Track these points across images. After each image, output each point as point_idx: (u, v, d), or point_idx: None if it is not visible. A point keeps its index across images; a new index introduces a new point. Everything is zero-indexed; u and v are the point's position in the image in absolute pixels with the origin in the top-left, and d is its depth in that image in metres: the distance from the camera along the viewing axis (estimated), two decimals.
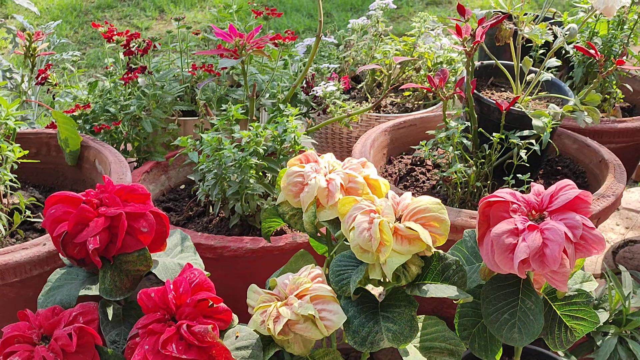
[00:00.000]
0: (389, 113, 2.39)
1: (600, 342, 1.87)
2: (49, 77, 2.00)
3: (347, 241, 1.38)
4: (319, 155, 1.47)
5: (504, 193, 1.30)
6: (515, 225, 1.25)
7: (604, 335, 1.89)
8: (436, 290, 1.31)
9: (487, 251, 1.29)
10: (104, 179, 1.35)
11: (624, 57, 2.20)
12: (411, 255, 1.28)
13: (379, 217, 1.28)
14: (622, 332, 1.89)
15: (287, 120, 1.68)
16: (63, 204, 1.32)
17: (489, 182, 1.82)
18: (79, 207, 1.29)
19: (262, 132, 1.65)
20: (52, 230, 1.30)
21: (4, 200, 1.70)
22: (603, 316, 1.90)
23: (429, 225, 1.30)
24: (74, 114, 1.96)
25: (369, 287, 1.36)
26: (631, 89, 2.41)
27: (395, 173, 2.01)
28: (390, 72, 2.31)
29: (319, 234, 1.49)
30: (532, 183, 1.35)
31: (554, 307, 1.38)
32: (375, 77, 2.47)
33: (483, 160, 1.81)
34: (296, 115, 1.70)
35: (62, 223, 1.30)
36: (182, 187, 2.00)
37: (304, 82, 2.06)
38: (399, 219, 1.30)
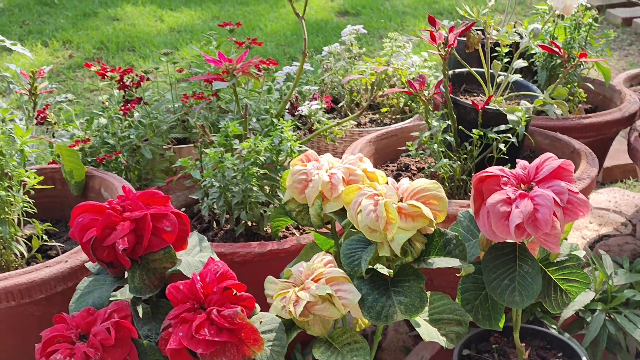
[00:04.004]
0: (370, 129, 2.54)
1: (590, 319, 1.99)
2: (48, 117, 2.10)
3: (354, 228, 1.49)
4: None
5: (493, 169, 1.43)
6: (508, 195, 1.37)
7: (592, 313, 2.01)
8: (440, 262, 1.42)
9: (483, 222, 1.40)
10: (124, 189, 1.45)
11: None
12: (415, 230, 1.40)
13: (383, 198, 1.39)
14: (608, 309, 2.01)
15: (282, 131, 1.80)
16: (89, 213, 1.41)
17: (473, 175, 1.95)
18: (106, 213, 1.38)
19: (260, 143, 1.77)
20: (81, 237, 1.40)
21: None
22: (589, 295, 2.03)
23: (428, 203, 1.41)
24: (75, 148, 2.05)
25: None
26: (592, 87, 2.58)
27: None
28: (374, 80, 2.45)
29: (324, 229, 1.60)
30: (517, 160, 1.47)
31: (548, 273, 1.50)
32: (353, 98, 2.61)
33: (466, 156, 1.95)
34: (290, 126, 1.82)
35: (91, 229, 1.39)
36: (183, 209, 2.10)
37: (289, 104, 2.19)
38: (400, 200, 1.42)
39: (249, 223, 1.88)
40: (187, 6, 5.90)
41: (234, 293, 1.36)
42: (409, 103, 2.59)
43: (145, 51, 4.86)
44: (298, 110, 2.19)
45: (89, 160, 2.08)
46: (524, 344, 1.66)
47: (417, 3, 5.89)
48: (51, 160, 2.10)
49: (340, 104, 2.65)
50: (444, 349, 1.96)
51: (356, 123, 2.55)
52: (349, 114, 2.62)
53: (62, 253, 1.83)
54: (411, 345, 2.16)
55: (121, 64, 4.66)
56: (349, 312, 1.42)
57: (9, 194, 1.68)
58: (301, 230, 1.95)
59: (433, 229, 1.44)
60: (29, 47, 4.91)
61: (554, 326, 1.95)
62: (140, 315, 1.42)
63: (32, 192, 1.75)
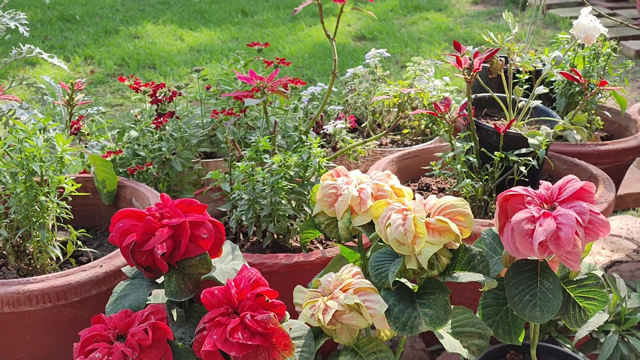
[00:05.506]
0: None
1: (603, 340, 2.03)
2: (81, 128, 2.17)
3: (381, 242, 1.55)
4: None
5: (518, 188, 1.49)
6: (532, 213, 1.43)
7: (606, 334, 2.05)
8: (465, 276, 1.47)
9: (507, 239, 1.46)
10: (162, 197, 1.51)
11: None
12: (442, 245, 1.45)
13: (411, 213, 1.45)
14: (621, 331, 2.06)
15: (311, 148, 1.87)
16: (129, 218, 1.47)
17: (494, 195, 2.02)
18: (146, 219, 1.44)
19: (289, 158, 1.83)
20: (121, 241, 1.45)
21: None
22: (603, 317, 2.08)
23: (455, 219, 1.47)
24: (107, 159, 2.12)
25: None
26: (609, 115, 2.64)
27: None
28: (399, 101, 2.53)
29: (351, 242, 1.66)
30: (540, 181, 1.53)
31: (567, 290, 1.55)
32: (376, 119, 2.69)
33: (487, 178, 2.01)
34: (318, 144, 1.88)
35: (131, 234, 1.45)
36: None
37: (315, 123, 2.25)
38: (428, 215, 1.48)
39: (275, 235, 1.94)
40: (206, 27, 5.99)
41: (266, 299, 1.41)
42: (429, 125, 2.66)
43: (166, 69, 4.95)
44: (323, 129, 2.26)
45: (120, 171, 2.15)
46: None
47: (433, 30, 5.98)
48: (82, 170, 2.16)
49: (363, 124, 2.73)
50: None
51: (378, 143, 2.62)
52: (372, 134, 2.69)
53: (95, 259, 1.89)
54: None
55: (142, 80, 4.74)
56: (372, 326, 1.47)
57: (48, 199, 1.75)
58: (325, 244, 2.01)
59: (458, 245, 1.49)
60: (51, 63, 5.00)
61: (568, 345, 2.00)
62: (175, 318, 1.47)
63: (70, 198, 1.81)
